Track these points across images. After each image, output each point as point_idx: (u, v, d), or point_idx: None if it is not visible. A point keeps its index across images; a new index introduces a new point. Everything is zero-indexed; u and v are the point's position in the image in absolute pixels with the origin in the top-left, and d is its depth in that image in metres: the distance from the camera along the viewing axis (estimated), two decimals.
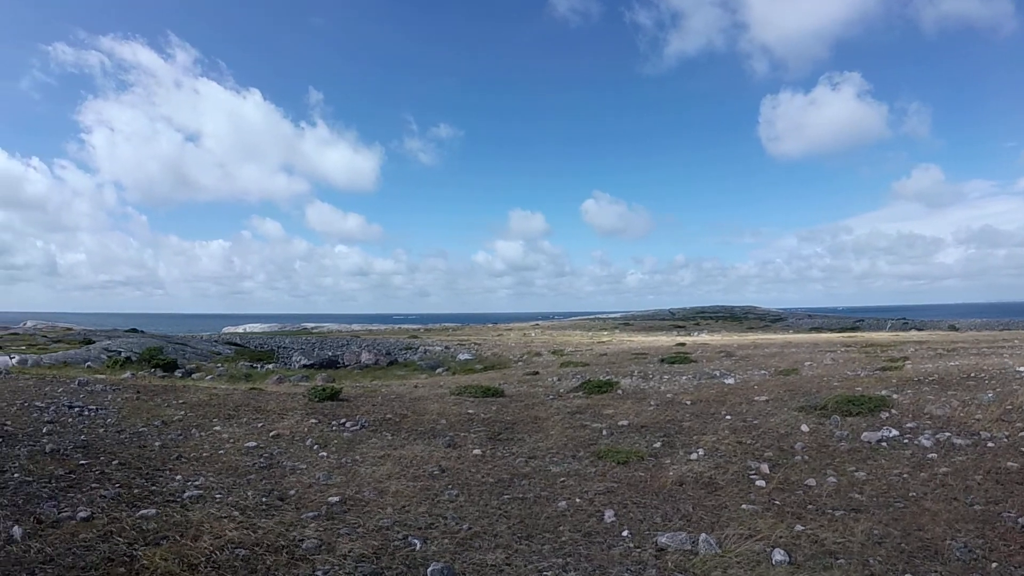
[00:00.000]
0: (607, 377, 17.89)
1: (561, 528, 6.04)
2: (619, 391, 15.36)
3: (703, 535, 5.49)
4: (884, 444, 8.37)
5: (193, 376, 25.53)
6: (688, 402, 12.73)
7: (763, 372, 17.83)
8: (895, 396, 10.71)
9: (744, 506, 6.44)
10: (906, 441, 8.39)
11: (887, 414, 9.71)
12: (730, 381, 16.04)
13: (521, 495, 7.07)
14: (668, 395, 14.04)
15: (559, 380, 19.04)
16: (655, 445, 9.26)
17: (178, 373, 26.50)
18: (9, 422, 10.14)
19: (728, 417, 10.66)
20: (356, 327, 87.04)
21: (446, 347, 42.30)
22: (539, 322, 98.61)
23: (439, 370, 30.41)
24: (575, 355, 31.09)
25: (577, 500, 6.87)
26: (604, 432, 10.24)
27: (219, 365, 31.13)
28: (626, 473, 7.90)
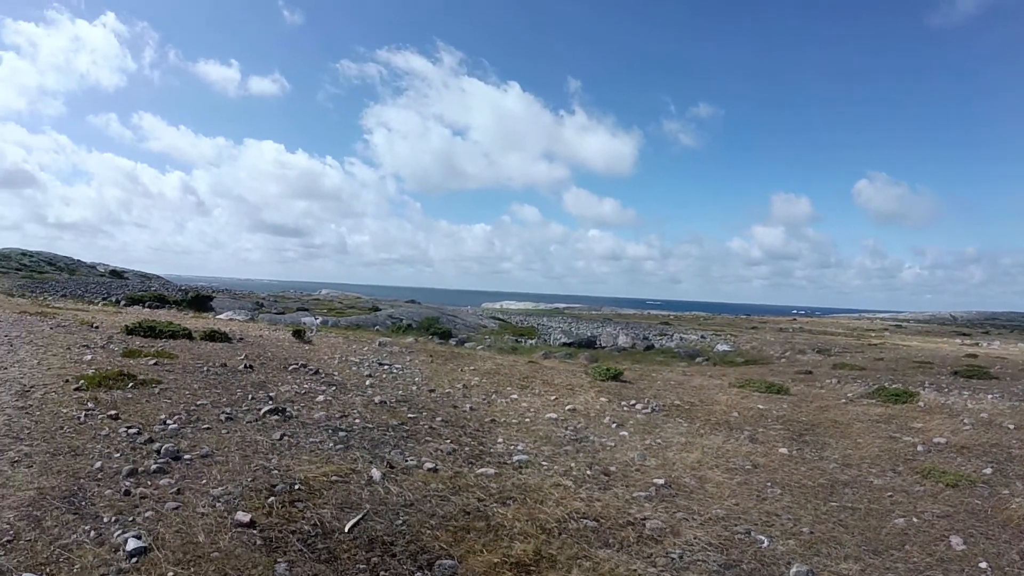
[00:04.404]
0: (893, 385, 16.15)
1: (908, 548, 5.46)
2: (920, 403, 13.76)
3: None
4: None
5: (466, 345, 27.33)
6: (1011, 426, 11.00)
7: None
8: None
9: None
10: None
11: None
12: None
13: (850, 504, 6.53)
14: (982, 415, 12.26)
15: (839, 383, 17.55)
16: (984, 471, 8.06)
17: (452, 341, 28.50)
18: (336, 373, 11.50)
19: None
20: (606, 310, 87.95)
21: (702, 336, 41.14)
22: (796, 316, 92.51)
23: (699, 359, 29.58)
24: (844, 356, 28.50)
25: (914, 519, 6.18)
26: (919, 448, 9.16)
27: (487, 337, 33.08)
28: (959, 497, 6.97)
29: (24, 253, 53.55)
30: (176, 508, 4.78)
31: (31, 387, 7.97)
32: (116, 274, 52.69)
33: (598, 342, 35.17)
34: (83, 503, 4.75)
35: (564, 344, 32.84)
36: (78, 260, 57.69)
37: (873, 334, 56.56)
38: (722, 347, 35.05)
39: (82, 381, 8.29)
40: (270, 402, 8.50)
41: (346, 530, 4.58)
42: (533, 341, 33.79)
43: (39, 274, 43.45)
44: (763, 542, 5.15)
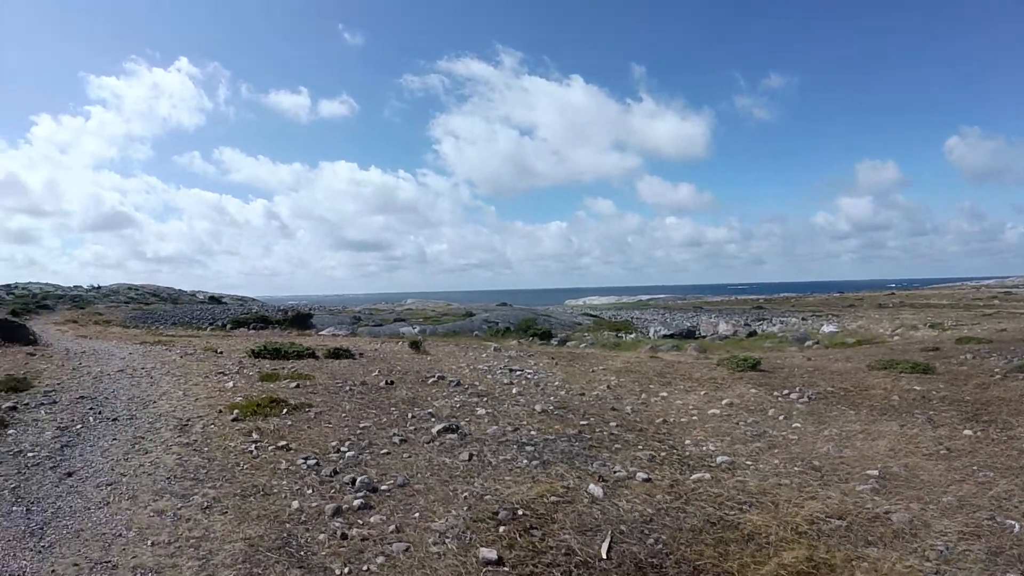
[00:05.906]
0: None
1: None
2: None
3: None
4: None
5: (568, 344, 27.17)
6: None
7: None
8: None
9: None
10: None
11: None
12: None
13: None
14: None
15: (974, 358, 16.62)
16: None
17: (554, 341, 28.40)
18: (477, 383, 11.47)
19: None
20: (691, 298, 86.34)
21: (802, 318, 39.88)
22: (893, 290, 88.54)
23: (808, 343, 28.64)
24: (962, 329, 26.90)
25: None
26: None
27: (586, 334, 32.88)
28: None
29: (130, 287, 56.71)
30: (406, 549, 4.47)
31: (188, 420, 8.00)
32: (215, 300, 54.80)
33: (698, 331, 34.53)
34: (303, 553, 4.43)
35: (664, 336, 32.34)
36: (179, 290, 60.49)
37: (982, 303, 53.53)
38: (828, 328, 33.92)
39: (236, 411, 8.32)
40: (433, 419, 8.43)
41: (604, 556, 4.34)
42: (632, 335, 33.38)
43: (146, 305, 45.53)
44: (1014, 527, 4.95)
